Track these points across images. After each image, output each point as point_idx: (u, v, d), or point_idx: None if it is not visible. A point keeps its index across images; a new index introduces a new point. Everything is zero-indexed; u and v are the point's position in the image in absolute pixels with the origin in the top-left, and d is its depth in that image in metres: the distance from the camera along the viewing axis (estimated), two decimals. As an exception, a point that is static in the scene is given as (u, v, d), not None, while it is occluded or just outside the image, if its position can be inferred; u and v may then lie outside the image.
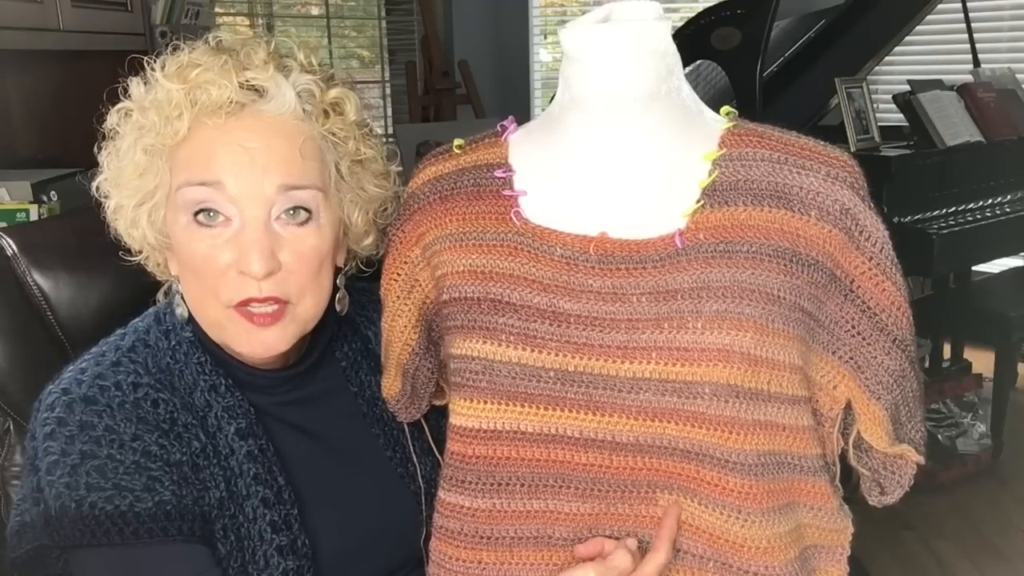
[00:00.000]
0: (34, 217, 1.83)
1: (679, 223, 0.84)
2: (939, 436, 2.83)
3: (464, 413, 0.86)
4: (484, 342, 0.84)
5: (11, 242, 1.07)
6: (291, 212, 0.88)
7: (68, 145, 2.37)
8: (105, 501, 0.84)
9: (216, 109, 0.87)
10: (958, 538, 2.56)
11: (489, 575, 0.88)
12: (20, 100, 2.45)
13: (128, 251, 0.97)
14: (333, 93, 0.93)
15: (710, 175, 0.85)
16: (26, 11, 2.12)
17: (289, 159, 0.88)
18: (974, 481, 2.85)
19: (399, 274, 0.95)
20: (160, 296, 1.00)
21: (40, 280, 1.08)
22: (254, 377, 0.96)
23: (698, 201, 0.84)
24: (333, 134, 0.92)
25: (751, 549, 0.82)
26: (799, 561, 0.86)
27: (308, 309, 0.92)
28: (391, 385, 0.99)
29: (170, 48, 0.92)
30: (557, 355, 0.82)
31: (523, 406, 0.84)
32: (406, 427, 1.04)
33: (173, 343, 0.94)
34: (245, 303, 0.88)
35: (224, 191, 0.86)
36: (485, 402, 0.84)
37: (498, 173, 0.90)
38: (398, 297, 0.95)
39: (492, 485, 0.86)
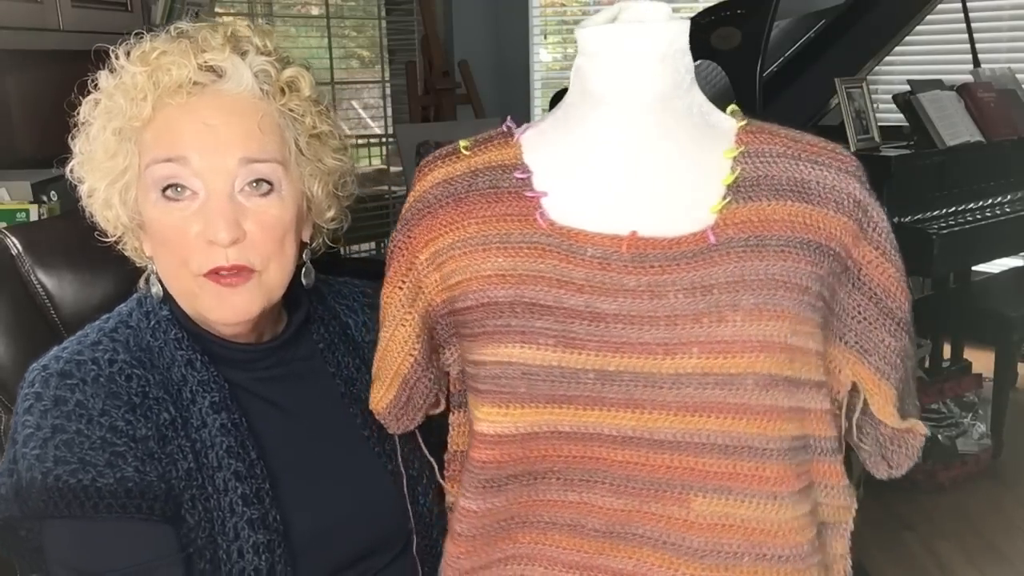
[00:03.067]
0: (34, 217, 1.83)
1: (708, 219, 0.85)
2: (939, 436, 2.83)
3: (496, 420, 0.85)
4: (522, 347, 0.83)
5: (15, 241, 1.09)
6: (254, 184, 0.93)
7: (68, 145, 2.36)
8: (69, 474, 0.87)
9: (177, 89, 0.92)
10: (958, 538, 2.56)
11: (525, 553, 0.89)
12: (20, 100, 2.44)
13: (104, 234, 1.01)
14: (288, 72, 0.97)
15: (733, 172, 0.86)
16: (26, 11, 2.12)
17: (249, 134, 0.93)
18: (974, 481, 2.85)
19: (404, 281, 0.92)
20: (142, 283, 1.03)
21: (44, 278, 1.09)
22: (231, 351, 0.99)
23: (724, 197, 0.85)
24: (291, 111, 0.97)
25: (785, 533, 0.85)
26: (817, 539, 0.89)
27: (273, 277, 0.95)
28: (382, 397, 0.98)
29: (133, 37, 0.97)
30: (597, 355, 0.82)
31: (561, 407, 0.83)
32: None
33: (153, 322, 0.98)
34: (214, 271, 0.93)
35: (189, 166, 0.91)
36: (522, 407, 0.84)
37: (517, 174, 0.89)
38: (402, 305, 0.93)
39: (529, 479, 0.87)
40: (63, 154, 1.00)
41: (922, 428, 0.95)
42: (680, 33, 0.88)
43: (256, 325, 1.00)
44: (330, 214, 1.04)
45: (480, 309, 0.86)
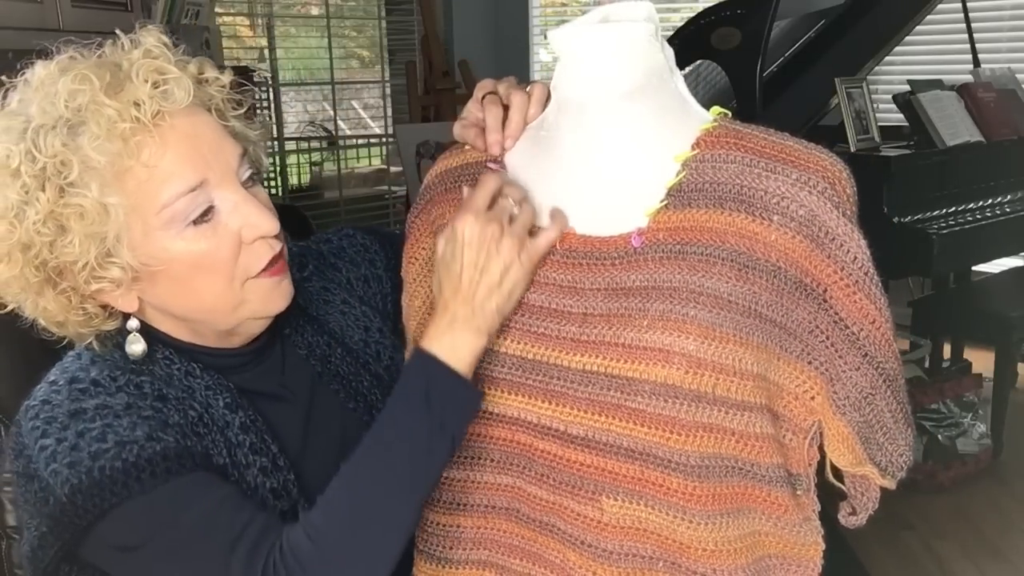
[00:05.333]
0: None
1: (641, 222, 0.84)
2: (939, 436, 2.83)
3: None
4: None
5: None
6: (246, 175, 0.92)
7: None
8: (111, 460, 0.83)
9: (155, 116, 0.85)
10: (958, 538, 2.56)
11: (468, 538, 0.92)
12: (20, 100, 2.44)
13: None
14: (193, 64, 0.92)
15: (677, 176, 0.85)
16: (26, 11, 2.12)
17: (222, 132, 0.91)
18: (974, 481, 2.85)
19: (416, 258, 1.00)
20: (95, 345, 0.93)
21: None
22: (223, 359, 0.97)
23: (662, 201, 0.84)
24: (214, 96, 0.93)
25: (697, 550, 0.82)
26: (754, 568, 0.86)
27: (285, 255, 0.95)
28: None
29: (22, 82, 0.88)
30: (518, 343, 0.86)
31: (489, 389, 0.88)
32: (368, 376, 1.06)
33: (125, 351, 0.93)
34: (268, 265, 0.91)
35: (208, 185, 0.87)
36: None
37: (490, 165, 0.94)
38: (414, 279, 1.01)
39: (465, 458, 0.91)
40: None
41: (878, 478, 0.89)
42: (638, 35, 0.85)
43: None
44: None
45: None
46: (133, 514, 0.84)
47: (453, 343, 0.85)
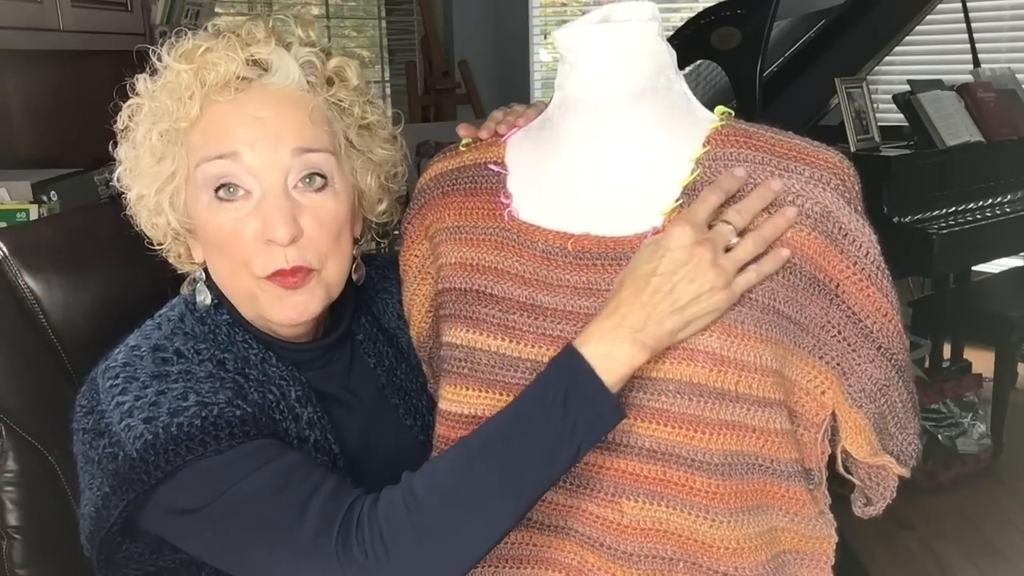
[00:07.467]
0: (34, 217, 1.83)
1: (657, 221, 0.84)
2: (939, 436, 2.83)
3: (449, 398, 0.90)
4: (467, 331, 0.88)
5: (2, 244, 1.05)
6: (307, 179, 0.90)
7: (68, 145, 2.36)
8: (191, 417, 0.84)
9: (224, 85, 0.89)
10: (958, 538, 2.56)
11: None
12: (20, 100, 2.44)
13: (151, 243, 0.99)
14: (334, 62, 0.95)
15: (692, 174, 0.85)
16: (26, 11, 2.12)
17: (300, 125, 0.90)
18: (974, 481, 2.85)
19: (411, 265, 1.00)
20: (185, 287, 1.00)
21: (32, 283, 1.05)
22: (292, 352, 0.97)
23: (677, 200, 0.85)
24: (339, 101, 0.94)
25: (720, 549, 0.83)
26: (772, 564, 0.86)
27: (332, 275, 0.94)
28: (426, 369, 1.05)
29: (173, 36, 0.94)
30: (534, 347, 0.85)
31: (501, 394, 0.86)
32: (426, 396, 1.06)
33: (211, 326, 0.95)
34: (276, 273, 0.90)
35: (241, 162, 0.88)
36: (467, 388, 0.88)
37: (491, 167, 0.93)
38: (409, 286, 1.01)
39: None
40: (63, 154, 0.99)
41: (896, 468, 0.90)
42: (647, 33, 0.85)
43: (315, 323, 0.98)
44: (381, 207, 1.01)
45: (445, 294, 0.92)
46: (203, 474, 0.83)
47: (611, 350, 0.79)
